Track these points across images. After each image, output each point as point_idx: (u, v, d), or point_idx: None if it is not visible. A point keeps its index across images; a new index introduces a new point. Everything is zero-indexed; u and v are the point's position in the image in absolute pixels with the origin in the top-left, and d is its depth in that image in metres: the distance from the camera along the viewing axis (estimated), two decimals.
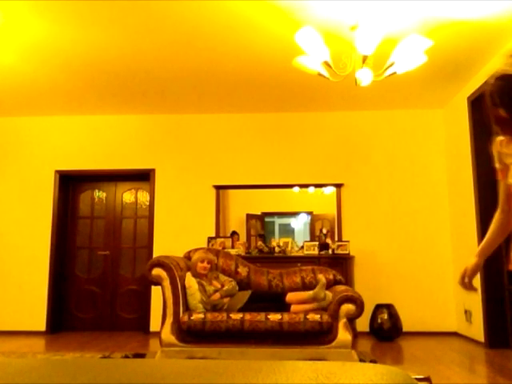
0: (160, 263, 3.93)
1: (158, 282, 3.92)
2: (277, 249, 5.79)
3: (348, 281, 5.22)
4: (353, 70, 3.69)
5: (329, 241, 5.84)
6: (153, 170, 6.17)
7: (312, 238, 6.00)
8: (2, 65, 4.61)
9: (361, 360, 3.78)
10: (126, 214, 6.38)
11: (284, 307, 3.92)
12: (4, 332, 5.75)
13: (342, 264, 5.47)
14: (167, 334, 3.76)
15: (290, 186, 6.05)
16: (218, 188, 6.08)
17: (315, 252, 5.65)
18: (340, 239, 5.83)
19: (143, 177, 6.25)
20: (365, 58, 3.52)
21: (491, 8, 3.61)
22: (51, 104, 5.86)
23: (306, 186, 6.06)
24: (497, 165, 1.74)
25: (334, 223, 5.99)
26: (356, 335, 4.96)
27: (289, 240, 5.94)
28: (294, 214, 6.31)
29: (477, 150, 5.01)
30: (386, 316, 5.27)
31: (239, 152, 6.15)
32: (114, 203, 6.41)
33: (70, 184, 6.44)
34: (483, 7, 3.60)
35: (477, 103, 5.06)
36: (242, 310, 3.91)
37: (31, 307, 5.92)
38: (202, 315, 3.77)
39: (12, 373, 0.73)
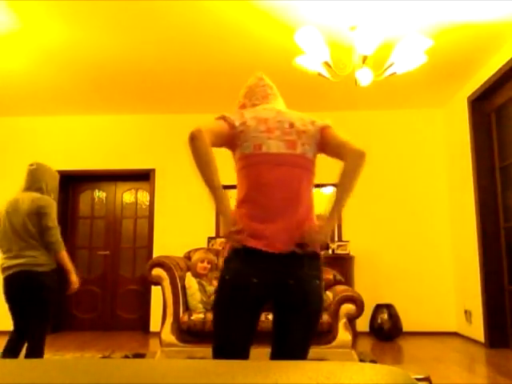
0: (160, 263, 3.93)
1: (157, 282, 3.92)
2: None
3: (348, 281, 5.22)
4: (353, 70, 3.69)
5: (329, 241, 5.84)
6: (153, 170, 6.17)
7: None
8: (11, 67, 4.62)
9: (361, 360, 3.79)
10: (126, 214, 6.38)
11: None
12: (4, 332, 5.74)
13: (341, 264, 5.46)
14: (167, 334, 3.76)
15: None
16: None
17: None
18: (340, 239, 5.83)
19: (143, 177, 6.25)
20: (365, 58, 3.52)
21: (491, 10, 3.61)
22: (51, 104, 5.86)
23: None
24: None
25: None
26: (356, 335, 4.96)
27: None
28: None
29: (477, 150, 5.02)
30: (385, 316, 5.27)
31: None
32: (114, 203, 6.41)
33: (70, 184, 6.44)
34: (483, 9, 3.60)
35: (477, 103, 5.07)
36: None
37: None
38: (202, 315, 3.77)
39: (12, 373, 0.73)
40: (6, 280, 3.13)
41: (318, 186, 6.19)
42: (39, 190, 3.32)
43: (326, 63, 3.58)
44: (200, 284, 3.99)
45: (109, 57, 4.50)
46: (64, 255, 3.13)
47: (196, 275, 4.06)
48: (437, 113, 6.04)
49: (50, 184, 3.41)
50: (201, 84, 5.20)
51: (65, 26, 3.90)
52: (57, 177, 3.50)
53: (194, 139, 1.62)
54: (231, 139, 1.76)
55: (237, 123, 1.75)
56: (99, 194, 6.47)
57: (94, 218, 6.41)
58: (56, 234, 3.12)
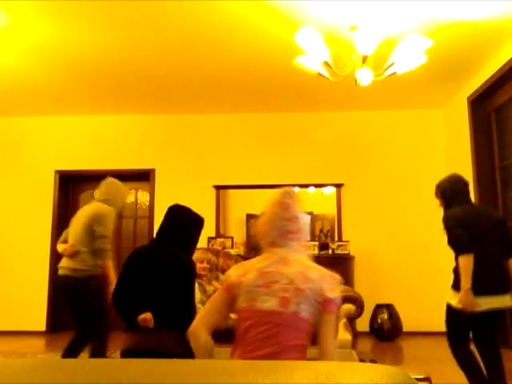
0: None
1: None
2: None
3: (348, 281, 5.23)
4: (353, 70, 3.69)
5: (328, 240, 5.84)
6: (153, 170, 6.17)
7: (312, 238, 6.00)
8: (4, 65, 4.61)
9: (361, 360, 3.78)
10: (125, 213, 6.38)
11: None
12: (4, 332, 5.75)
13: (341, 264, 5.47)
14: None
15: (290, 186, 6.03)
16: (218, 188, 6.08)
17: (315, 252, 5.65)
18: (340, 239, 5.82)
19: (143, 177, 6.24)
20: (365, 58, 3.52)
21: (491, 8, 3.61)
22: (51, 104, 5.86)
23: (306, 186, 6.06)
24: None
25: (334, 223, 5.99)
26: (356, 335, 4.95)
27: None
28: None
29: (477, 150, 5.01)
30: (386, 316, 5.27)
31: (239, 152, 6.15)
32: None
33: (70, 184, 6.43)
34: (483, 8, 3.59)
35: (477, 103, 5.07)
36: None
37: (31, 307, 5.92)
38: None
39: (12, 373, 0.73)
40: (56, 279, 3.54)
41: (318, 185, 6.24)
42: (105, 201, 3.48)
43: (326, 63, 3.58)
44: (200, 284, 3.99)
45: (108, 56, 4.50)
46: (109, 264, 3.36)
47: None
48: (437, 113, 6.03)
49: (116, 198, 3.54)
50: (201, 84, 5.20)
51: (59, 24, 3.89)
52: (124, 195, 3.69)
53: (190, 339, 1.74)
54: (234, 298, 1.73)
55: (235, 280, 1.73)
56: None
57: None
58: (105, 242, 3.30)
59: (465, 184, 3.14)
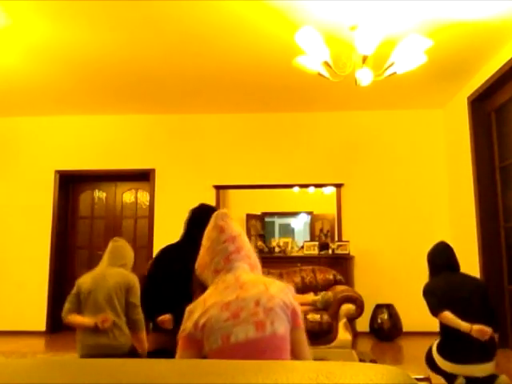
0: None
1: None
2: (277, 249, 5.79)
3: (348, 281, 5.22)
4: (353, 70, 3.69)
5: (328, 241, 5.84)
6: (153, 170, 6.17)
7: (312, 238, 6.00)
8: (4, 65, 4.61)
9: (361, 360, 3.78)
10: (126, 213, 6.38)
11: None
12: (4, 332, 5.75)
13: (341, 264, 5.46)
14: None
15: (290, 186, 6.05)
16: (218, 188, 6.08)
17: (315, 252, 5.65)
18: (340, 239, 5.82)
19: (143, 177, 6.24)
20: (365, 58, 3.52)
21: (491, 8, 3.61)
22: (51, 104, 5.86)
23: (306, 186, 6.06)
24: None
25: (334, 223, 5.99)
26: (356, 335, 4.95)
27: (289, 240, 5.95)
28: (294, 214, 6.31)
29: (477, 149, 5.02)
30: (386, 316, 5.27)
31: (239, 152, 6.14)
32: (114, 203, 6.41)
33: (70, 184, 6.43)
34: (483, 8, 3.59)
35: (477, 103, 5.07)
36: None
37: (31, 307, 5.92)
38: None
39: (12, 373, 0.73)
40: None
41: (318, 185, 6.24)
42: (123, 266, 3.32)
43: (326, 63, 3.58)
44: None
45: (108, 56, 4.50)
46: (144, 335, 3.12)
47: None
48: (437, 113, 6.03)
49: (131, 261, 3.47)
50: (201, 84, 5.20)
51: (59, 24, 3.89)
52: (133, 257, 3.56)
53: None
54: (201, 343, 1.56)
55: (194, 327, 1.56)
56: (99, 194, 6.46)
57: (94, 218, 6.41)
58: (141, 313, 3.11)
59: (445, 253, 3.12)
